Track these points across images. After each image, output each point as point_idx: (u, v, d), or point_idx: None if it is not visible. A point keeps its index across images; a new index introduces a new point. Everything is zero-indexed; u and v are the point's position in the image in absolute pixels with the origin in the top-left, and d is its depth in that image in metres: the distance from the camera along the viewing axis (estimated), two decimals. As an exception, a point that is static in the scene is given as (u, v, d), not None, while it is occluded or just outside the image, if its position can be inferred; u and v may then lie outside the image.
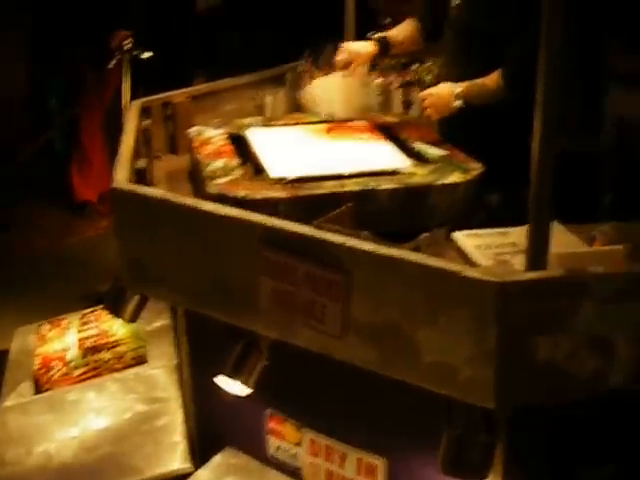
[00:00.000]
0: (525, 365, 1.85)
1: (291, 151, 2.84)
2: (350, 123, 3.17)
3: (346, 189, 2.49)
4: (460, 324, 1.84)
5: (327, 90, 3.39)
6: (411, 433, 2.27)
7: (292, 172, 2.58)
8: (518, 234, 2.49)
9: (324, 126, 3.13)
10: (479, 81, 2.88)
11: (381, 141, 2.95)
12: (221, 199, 2.42)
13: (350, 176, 2.57)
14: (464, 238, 2.45)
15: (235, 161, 2.74)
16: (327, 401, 2.45)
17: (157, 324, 3.48)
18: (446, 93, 2.91)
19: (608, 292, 1.83)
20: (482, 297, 1.80)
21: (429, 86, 3.26)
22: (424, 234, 2.36)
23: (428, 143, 2.88)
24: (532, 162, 1.91)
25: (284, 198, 2.45)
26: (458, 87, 2.89)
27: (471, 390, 1.87)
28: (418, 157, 2.76)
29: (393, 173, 2.59)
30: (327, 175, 2.57)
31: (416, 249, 2.15)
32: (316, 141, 2.97)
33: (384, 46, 3.24)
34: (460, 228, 2.47)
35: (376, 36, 3.26)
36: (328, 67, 3.61)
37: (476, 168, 2.63)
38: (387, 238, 2.14)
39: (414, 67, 3.67)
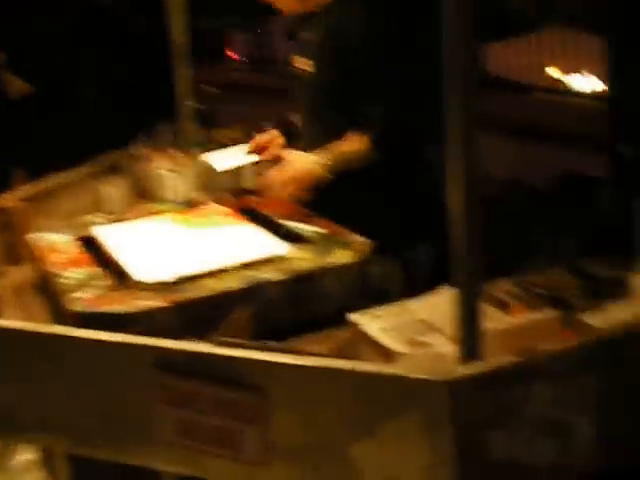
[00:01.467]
0: (485, 465, 1.65)
1: (153, 248, 2.56)
2: (207, 207, 2.91)
3: (229, 287, 2.23)
4: (407, 432, 1.62)
5: (173, 174, 3.14)
6: None
7: (162, 274, 2.30)
8: (422, 308, 2.30)
9: (179, 214, 2.87)
10: (338, 149, 2.73)
11: (248, 224, 2.70)
12: (88, 317, 2.13)
13: (227, 270, 2.31)
14: (366, 321, 2.23)
15: (92, 269, 2.44)
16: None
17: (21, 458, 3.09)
18: (307, 167, 2.73)
19: (561, 371, 1.66)
20: (432, 399, 1.59)
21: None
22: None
23: (299, 220, 2.67)
24: (453, 233, 1.73)
25: (162, 307, 2.17)
26: (321, 158, 2.71)
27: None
28: (295, 238, 2.54)
29: (274, 261, 2.36)
30: (203, 273, 2.31)
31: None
32: (176, 232, 2.70)
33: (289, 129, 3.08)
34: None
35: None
36: (165, 149, 3.37)
37: (363, 243, 2.43)
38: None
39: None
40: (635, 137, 2.44)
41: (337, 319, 2.30)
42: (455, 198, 1.70)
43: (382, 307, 2.30)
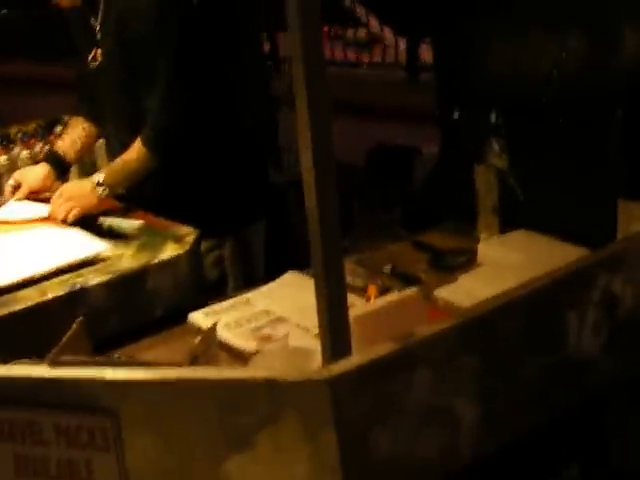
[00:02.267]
0: (372, 465, 1.51)
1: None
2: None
3: (50, 296, 1.98)
4: (285, 441, 1.45)
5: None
6: None
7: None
8: (263, 298, 2.14)
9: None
10: (118, 160, 2.52)
11: (54, 224, 2.44)
12: None
13: (45, 277, 2.06)
14: (206, 320, 2.04)
15: None
16: None
17: None
18: (84, 186, 2.51)
19: (439, 354, 1.54)
20: (310, 402, 1.42)
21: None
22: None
23: (113, 215, 2.44)
24: (310, 216, 1.57)
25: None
26: (97, 176, 2.50)
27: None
28: (112, 235, 2.30)
29: (96, 262, 2.12)
30: (18, 283, 2.05)
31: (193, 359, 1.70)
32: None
33: (60, 163, 2.74)
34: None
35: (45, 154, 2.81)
36: None
37: (188, 233, 2.23)
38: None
39: (58, 130, 3.16)
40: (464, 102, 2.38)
41: (174, 317, 2.12)
42: (310, 178, 1.54)
43: (221, 302, 2.13)
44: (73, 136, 2.76)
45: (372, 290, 2.04)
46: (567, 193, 2.23)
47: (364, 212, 3.49)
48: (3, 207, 2.57)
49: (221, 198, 2.59)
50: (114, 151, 2.62)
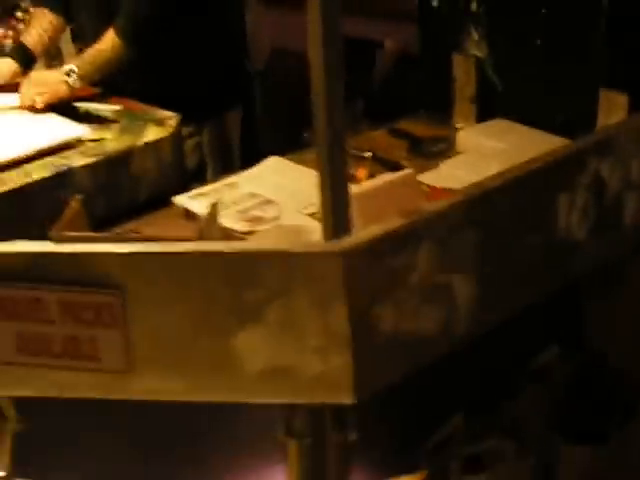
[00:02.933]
0: (379, 337, 1.53)
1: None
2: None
3: (35, 177, 1.95)
4: (296, 315, 1.46)
5: None
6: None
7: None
8: (245, 182, 2.14)
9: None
10: (90, 50, 2.46)
11: (25, 110, 2.39)
12: None
13: (28, 159, 2.02)
14: (192, 202, 2.03)
15: None
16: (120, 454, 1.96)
17: None
18: (55, 75, 2.46)
19: (443, 230, 1.56)
20: (323, 274, 1.43)
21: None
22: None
23: (88, 100, 2.39)
24: (314, 96, 1.56)
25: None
26: (68, 66, 2.44)
27: (320, 388, 1.52)
28: (91, 119, 2.27)
29: (78, 145, 2.09)
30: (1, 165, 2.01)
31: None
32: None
33: (27, 58, 2.64)
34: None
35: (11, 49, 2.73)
36: None
37: (169, 117, 2.21)
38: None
39: (18, 14, 3.08)
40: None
41: (156, 201, 2.10)
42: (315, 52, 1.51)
43: (206, 185, 2.12)
44: (39, 30, 2.67)
45: (362, 172, 2.05)
46: (546, 83, 2.25)
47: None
48: None
49: (198, 84, 2.57)
50: (87, 41, 2.56)
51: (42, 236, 1.90)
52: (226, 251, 1.47)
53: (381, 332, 1.52)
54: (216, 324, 1.49)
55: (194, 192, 2.08)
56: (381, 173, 2.14)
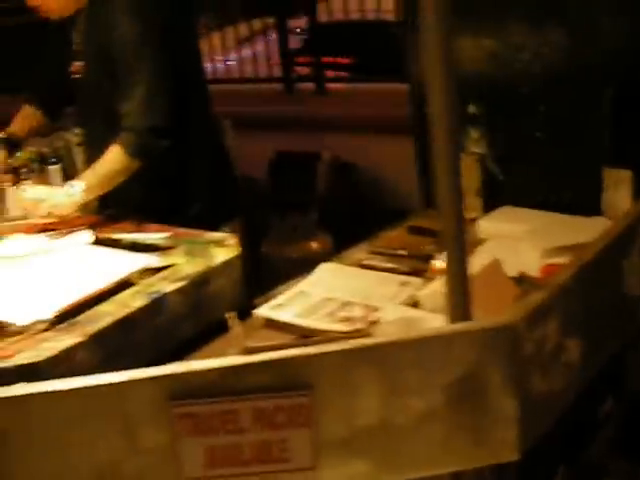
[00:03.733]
0: (532, 398, 1.72)
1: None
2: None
3: (135, 307, 2.03)
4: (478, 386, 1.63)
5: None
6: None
7: (33, 313, 2.03)
8: (312, 288, 2.27)
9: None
10: (98, 163, 2.62)
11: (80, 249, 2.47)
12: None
13: (109, 292, 2.11)
14: (274, 313, 2.16)
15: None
16: None
17: None
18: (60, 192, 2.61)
19: (564, 301, 1.78)
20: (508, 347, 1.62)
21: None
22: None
23: (127, 232, 2.49)
24: (439, 190, 1.74)
25: (80, 344, 1.91)
26: (74, 181, 2.60)
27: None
28: (138, 249, 2.36)
29: (160, 271, 2.18)
30: (85, 301, 2.08)
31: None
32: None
33: (13, 146, 2.85)
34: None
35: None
36: None
37: (225, 238, 2.33)
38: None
39: (18, 154, 3.14)
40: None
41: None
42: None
43: (276, 296, 2.24)
44: (20, 123, 2.95)
45: (435, 267, 2.22)
46: (549, 167, 2.51)
47: (276, 219, 3.64)
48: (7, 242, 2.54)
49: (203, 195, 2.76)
50: (94, 149, 2.74)
51: (149, 362, 1.99)
52: (413, 338, 1.62)
53: (532, 392, 1.70)
54: (398, 408, 1.63)
55: (272, 303, 2.20)
56: (420, 268, 2.34)
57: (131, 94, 2.58)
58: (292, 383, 1.62)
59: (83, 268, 2.30)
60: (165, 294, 2.08)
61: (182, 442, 1.64)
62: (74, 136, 3.47)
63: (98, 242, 2.47)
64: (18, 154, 3.05)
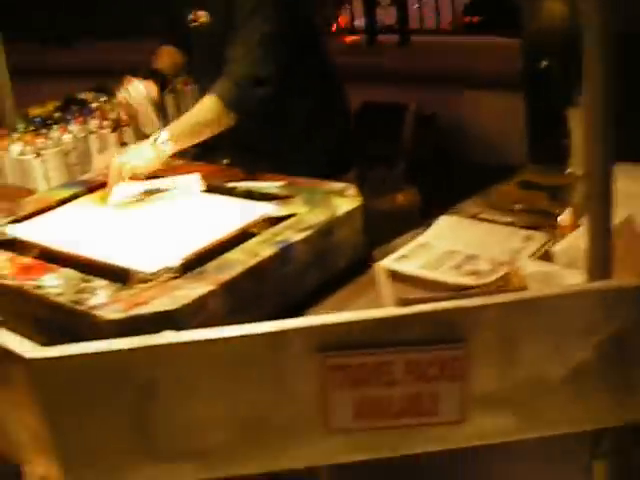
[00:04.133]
0: None
1: (114, 236, 2.27)
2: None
3: (264, 255, 2.02)
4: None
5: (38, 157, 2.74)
6: None
7: (161, 260, 2.03)
8: (435, 240, 2.25)
9: (96, 195, 2.56)
10: (189, 113, 2.59)
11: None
12: (132, 322, 1.84)
13: (234, 240, 2.10)
14: (397, 264, 2.14)
15: (64, 272, 2.07)
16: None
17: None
18: (144, 148, 2.55)
19: None
20: None
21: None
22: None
23: (242, 180, 2.47)
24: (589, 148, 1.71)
25: (211, 292, 1.91)
26: (162, 132, 2.53)
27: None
28: (263, 197, 2.34)
29: (282, 219, 2.17)
30: (210, 248, 2.09)
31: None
32: (122, 215, 2.40)
33: (162, 80, 2.77)
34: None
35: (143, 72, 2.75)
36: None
37: (346, 187, 2.31)
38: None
39: (102, 100, 3.13)
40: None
41: (352, 269, 2.21)
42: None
43: (402, 249, 2.23)
44: (172, 60, 2.87)
45: (564, 222, 2.18)
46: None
47: (363, 170, 3.60)
48: (117, 189, 2.51)
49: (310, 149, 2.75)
50: (201, 82, 2.80)
51: (277, 311, 1.98)
52: (582, 290, 1.60)
53: None
54: (546, 363, 1.61)
55: (396, 255, 2.18)
56: (539, 223, 2.32)
57: (242, 40, 2.54)
58: (446, 336, 1.61)
59: (202, 216, 2.30)
60: (292, 243, 2.06)
61: (332, 393, 1.64)
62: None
63: (210, 190, 2.46)
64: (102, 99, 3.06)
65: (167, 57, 2.89)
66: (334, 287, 2.14)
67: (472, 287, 2.01)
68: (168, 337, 1.68)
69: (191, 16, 2.73)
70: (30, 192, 2.71)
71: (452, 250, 2.18)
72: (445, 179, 2.99)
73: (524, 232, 2.23)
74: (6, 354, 1.68)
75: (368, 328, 1.62)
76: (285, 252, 2.05)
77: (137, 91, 2.63)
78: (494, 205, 2.45)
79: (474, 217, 2.38)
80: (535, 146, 2.69)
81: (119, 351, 1.65)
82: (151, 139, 2.51)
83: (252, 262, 2.00)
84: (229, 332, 1.65)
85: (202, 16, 2.69)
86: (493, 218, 2.35)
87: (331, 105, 2.83)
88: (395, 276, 2.12)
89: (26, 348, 1.66)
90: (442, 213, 2.43)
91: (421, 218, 2.55)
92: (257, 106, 2.55)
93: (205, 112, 2.54)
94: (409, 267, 2.11)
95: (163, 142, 2.48)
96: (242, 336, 1.64)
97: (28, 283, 2.04)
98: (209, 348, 1.64)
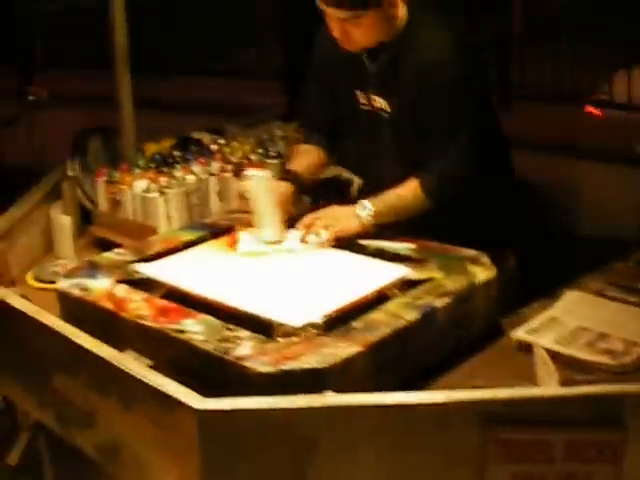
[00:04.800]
0: None
1: (251, 286, 2.31)
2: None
3: (408, 319, 2.05)
4: None
5: (162, 196, 2.80)
6: None
7: (303, 315, 2.07)
8: (565, 315, 2.27)
9: (222, 242, 2.60)
10: (391, 193, 2.59)
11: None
12: (279, 378, 1.86)
13: (375, 300, 2.14)
14: (530, 337, 2.17)
15: (205, 318, 2.11)
16: None
17: None
18: (347, 209, 2.58)
19: None
20: None
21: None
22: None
23: (372, 238, 2.51)
24: None
25: (359, 353, 1.94)
26: (365, 202, 2.57)
27: None
28: (395, 258, 2.39)
29: (420, 284, 2.20)
30: (353, 307, 2.13)
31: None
32: (253, 265, 2.45)
33: (299, 182, 2.75)
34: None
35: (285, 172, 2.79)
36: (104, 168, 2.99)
37: (479, 255, 2.34)
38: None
39: (218, 145, 3.19)
40: None
41: (484, 337, 2.24)
42: None
43: (530, 319, 2.26)
44: (308, 161, 2.81)
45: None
46: None
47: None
48: (245, 237, 2.56)
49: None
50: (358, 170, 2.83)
51: (414, 376, 2.02)
52: None
53: None
54: None
55: (527, 327, 2.21)
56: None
57: (449, 139, 2.56)
58: (607, 419, 1.64)
59: (336, 272, 2.34)
60: (434, 308, 2.10)
61: (491, 466, 1.67)
62: (277, 129, 3.51)
63: (341, 246, 2.50)
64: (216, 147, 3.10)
65: (304, 158, 2.84)
66: (466, 354, 2.17)
67: (609, 366, 2.04)
68: (332, 399, 1.72)
69: (361, 98, 2.71)
70: (154, 230, 2.77)
71: (582, 327, 2.21)
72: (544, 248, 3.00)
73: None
74: (173, 402, 1.73)
75: (532, 405, 1.66)
76: (427, 317, 2.08)
77: (258, 189, 2.64)
78: (615, 282, 2.48)
79: (599, 293, 2.41)
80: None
81: (284, 408, 1.69)
82: (356, 210, 2.55)
83: (398, 324, 2.02)
84: (393, 399, 1.69)
85: (377, 101, 2.67)
86: (619, 296, 2.38)
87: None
88: (525, 347, 2.15)
89: (194, 398, 1.71)
90: (548, 284, 2.47)
91: (521, 286, 2.56)
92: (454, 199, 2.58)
93: (407, 199, 2.58)
94: (543, 340, 2.14)
95: (367, 215, 2.54)
96: (407, 404, 1.68)
97: (170, 327, 2.08)
98: (373, 414, 1.68)
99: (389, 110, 2.65)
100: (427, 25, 2.60)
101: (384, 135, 2.69)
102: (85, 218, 3.06)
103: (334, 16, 2.50)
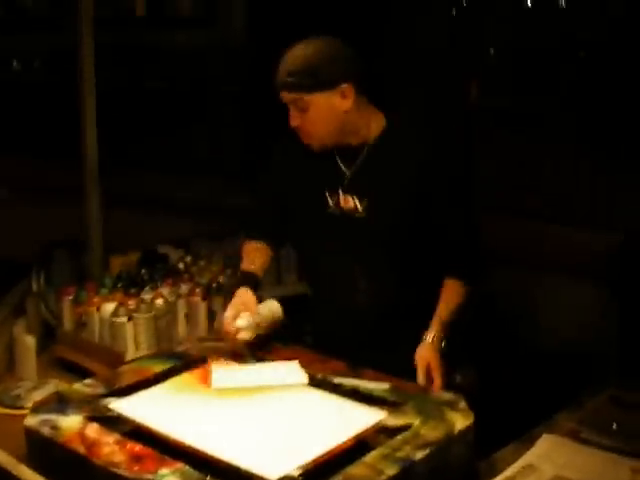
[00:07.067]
0: None
1: (222, 429, 2.26)
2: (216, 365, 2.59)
3: (389, 474, 2.01)
4: None
5: (131, 321, 2.74)
6: None
7: (280, 465, 2.02)
8: (541, 463, 2.26)
9: (195, 374, 2.55)
10: (451, 306, 2.69)
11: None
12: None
13: (353, 450, 2.10)
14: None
15: (177, 466, 2.05)
16: None
17: None
18: (428, 349, 2.65)
19: None
20: None
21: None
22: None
23: (341, 374, 2.48)
24: None
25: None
26: (432, 332, 2.65)
27: None
28: (371, 399, 2.36)
29: (398, 431, 2.17)
30: (327, 457, 2.08)
31: None
32: (223, 404, 2.39)
33: (256, 283, 2.77)
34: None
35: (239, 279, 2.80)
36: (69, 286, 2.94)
37: (456, 400, 2.32)
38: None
39: (187, 259, 3.15)
40: None
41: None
42: None
43: (500, 462, 2.25)
44: (261, 260, 2.84)
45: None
46: None
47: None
48: (218, 372, 2.52)
49: None
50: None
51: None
52: None
53: None
54: None
55: (503, 477, 2.18)
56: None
57: (454, 225, 2.70)
58: None
59: (312, 415, 2.31)
60: (414, 462, 2.06)
61: None
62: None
63: (314, 383, 2.47)
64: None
65: (257, 257, 2.87)
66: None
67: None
68: None
69: (330, 200, 2.73)
70: (120, 355, 2.72)
71: (559, 475, 2.19)
72: (509, 363, 3.02)
73: (631, 463, 2.25)
74: None
75: None
76: (406, 471, 2.04)
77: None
78: (590, 421, 2.48)
79: (574, 435, 2.39)
80: (627, 358, 2.73)
81: None
82: (430, 339, 2.63)
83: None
84: None
85: (350, 202, 2.69)
86: (595, 440, 2.36)
87: None
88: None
89: None
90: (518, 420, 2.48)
91: (481, 401, 2.57)
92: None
93: (458, 299, 2.70)
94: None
95: (439, 340, 2.64)
96: None
97: (144, 478, 2.02)
98: None
99: (361, 210, 2.69)
100: (410, 126, 2.74)
101: (355, 236, 2.72)
102: (48, 333, 3.00)
103: (285, 100, 2.59)
